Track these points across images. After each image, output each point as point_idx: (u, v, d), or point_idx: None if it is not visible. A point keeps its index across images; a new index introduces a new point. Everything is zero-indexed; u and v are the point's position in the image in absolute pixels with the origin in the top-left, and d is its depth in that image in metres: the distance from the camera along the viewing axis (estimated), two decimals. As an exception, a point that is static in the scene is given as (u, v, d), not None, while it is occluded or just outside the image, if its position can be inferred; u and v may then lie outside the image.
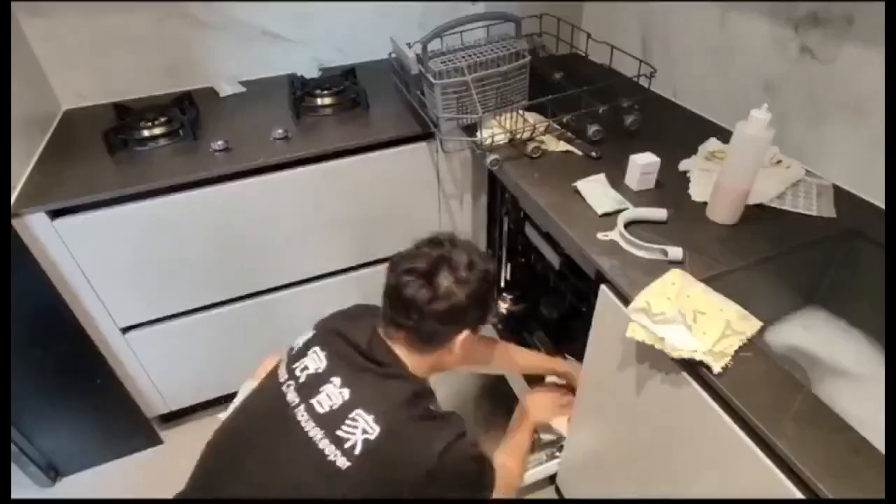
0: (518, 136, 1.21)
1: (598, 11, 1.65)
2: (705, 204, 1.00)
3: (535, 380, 1.38)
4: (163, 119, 1.29)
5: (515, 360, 1.29)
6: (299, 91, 1.41)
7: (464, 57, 1.22)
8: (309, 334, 0.93)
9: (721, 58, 1.26)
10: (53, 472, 1.46)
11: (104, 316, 1.26)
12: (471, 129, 1.25)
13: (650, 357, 0.83)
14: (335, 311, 1.00)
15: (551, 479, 1.37)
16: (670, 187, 1.07)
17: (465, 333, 0.88)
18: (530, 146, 1.18)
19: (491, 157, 1.16)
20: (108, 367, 1.32)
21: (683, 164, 1.13)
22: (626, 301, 0.82)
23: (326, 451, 0.76)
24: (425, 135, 1.31)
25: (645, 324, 0.76)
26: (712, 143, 1.17)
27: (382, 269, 0.92)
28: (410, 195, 1.41)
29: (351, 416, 0.78)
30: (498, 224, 1.58)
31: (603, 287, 0.91)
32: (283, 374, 0.87)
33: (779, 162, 1.11)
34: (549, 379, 1.34)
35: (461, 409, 1.51)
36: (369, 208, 1.38)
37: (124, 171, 1.17)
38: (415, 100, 1.30)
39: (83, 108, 1.46)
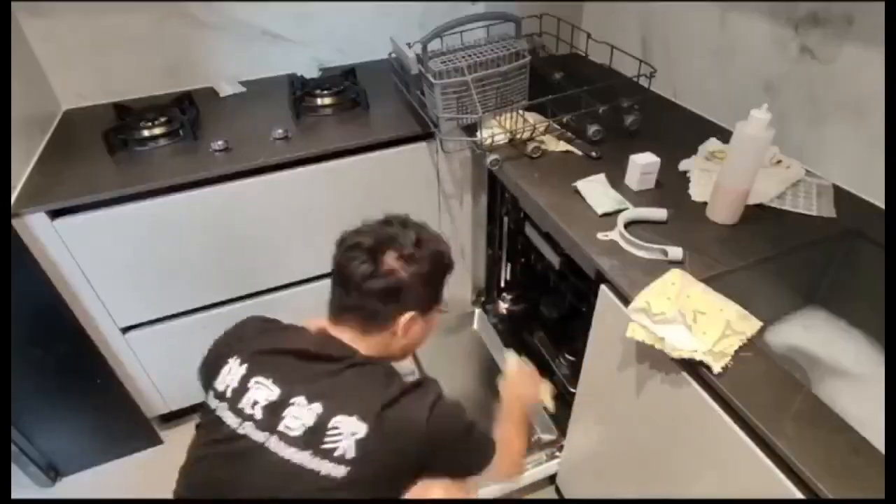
0: (518, 136, 1.21)
1: (598, 11, 1.65)
2: (705, 204, 1.00)
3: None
4: (163, 119, 1.29)
5: None
6: (299, 91, 1.41)
7: (464, 57, 1.22)
8: (238, 371, 0.82)
9: (721, 58, 1.26)
10: (53, 472, 1.46)
11: (104, 316, 1.26)
12: (471, 129, 1.25)
13: (650, 357, 0.83)
14: (230, 333, 0.94)
15: (551, 479, 1.37)
16: (670, 187, 1.07)
17: (409, 315, 0.84)
18: (530, 146, 1.18)
19: (491, 157, 1.16)
20: (108, 367, 1.32)
21: (683, 164, 1.13)
22: (626, 301, 0.82)
23: (317, 469, 0.73)
24: (425, 135, 1.31)
25: (645, 324, 0.76)
26: (712, 143, 1.17)
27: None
28: (410, 195, 1.41)
29: (330, 425, 0.74)
30: (498, 224, 1.58)
31: (603, 287, 0.91)
32: (231, 421, 0.77)
33: (779, 162, 1.10)
34: (510, 363, 1.24)
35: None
36: (369, 208, 1.35)
37: (124, 171, 1.17)
38: (415, 100, 1.30)
39: (83, 108, 1.46)
